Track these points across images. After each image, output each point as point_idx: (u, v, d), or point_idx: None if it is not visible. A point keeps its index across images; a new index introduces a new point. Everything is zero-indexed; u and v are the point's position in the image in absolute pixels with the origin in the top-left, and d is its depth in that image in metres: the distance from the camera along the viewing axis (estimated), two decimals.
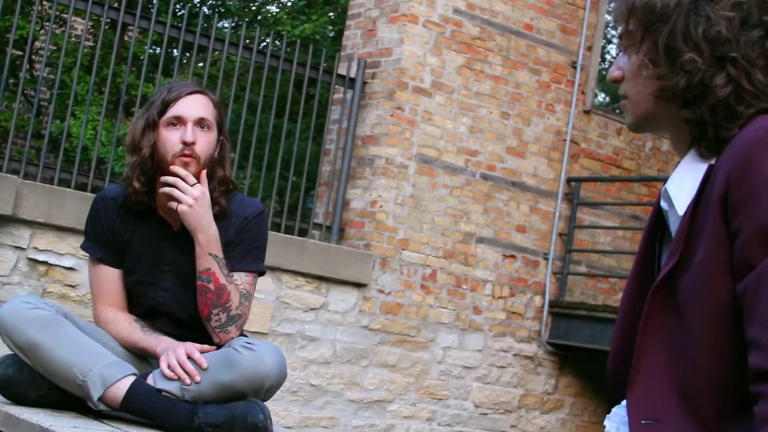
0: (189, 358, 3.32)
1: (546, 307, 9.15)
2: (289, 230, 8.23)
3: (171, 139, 3.49)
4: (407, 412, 8.40)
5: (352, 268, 8.10)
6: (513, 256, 9.02)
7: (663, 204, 1.95)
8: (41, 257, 6.91)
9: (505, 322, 8.96)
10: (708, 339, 1.79)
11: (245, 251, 3.61)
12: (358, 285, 8.16)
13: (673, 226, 1.93)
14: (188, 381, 3.29)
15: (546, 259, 9.20)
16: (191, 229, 3.45)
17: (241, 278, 3.59)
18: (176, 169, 3.44)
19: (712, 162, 1.86)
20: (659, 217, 2.02)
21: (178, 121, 3.50)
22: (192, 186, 3.43)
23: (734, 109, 1.82)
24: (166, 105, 3.52)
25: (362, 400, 8.20)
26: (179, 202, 3.43)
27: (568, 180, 9.33)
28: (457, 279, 8.69)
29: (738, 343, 1.76)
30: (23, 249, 6.86)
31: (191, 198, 3.41)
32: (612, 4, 9.82)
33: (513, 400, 9.00)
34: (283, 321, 7.80)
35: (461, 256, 8.71)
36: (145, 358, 3.56)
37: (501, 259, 8.94)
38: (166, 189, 3.45)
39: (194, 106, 3.53)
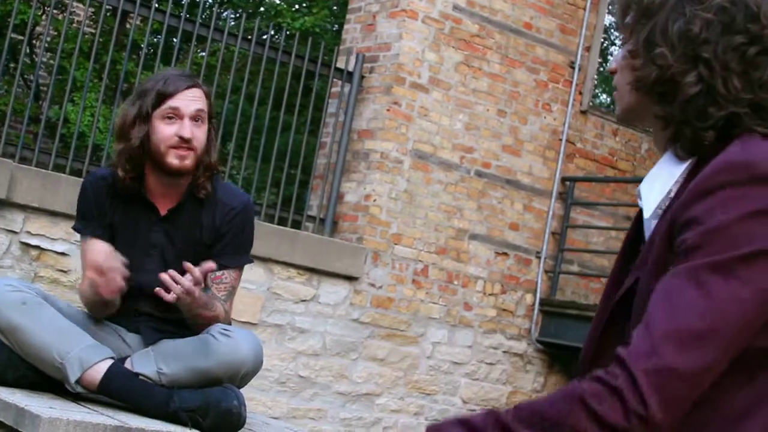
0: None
1: (537, 306, 9.18)
2: (282, 222, 8.26)
3: (166, 131, 3.55)
4: (395, 406, 8.43)
5: (344, 261, 8.13)
6: (505, 254, 9.05)
7: (639, 202, 1.98)
8: (34, 241, 6.94)
9: (496, 319, 8.99)
10: None
11: (235, 246, 3.69)
12: (350, 278, 8.19)
13: (646, 228, 1.96)
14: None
15: (538, 257, 9.23)
16: (182, 307, 3.50)
17: (230, 275, 3.68)
18: (166, 278, 3.43)
19: (687, 163, 1.89)
20: (641, 218, 2.05)
21: (175, 114, 3.56)
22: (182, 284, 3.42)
23: (705, 110, 1.84)
24: (162, 97, 3.56)
25: (350, 393, 8.23)
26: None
27: (563, 179, 9.36)
28: (449, 275, 8.72)
29: None
30: (16, 233, 6.89)
31: (188, 297, 3.43)
32: (612, 6, 9.86)
33: (501, 397, 9.04)
34: (273, 312, 7.83)
35: (453, 252, 8.74)
36: (124, 341, 3.61)
37: (493, 256, 8.98)
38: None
39: (190, 100, 3.60)
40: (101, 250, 3.54)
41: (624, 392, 1.66)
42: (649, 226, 1.93)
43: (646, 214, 1.92)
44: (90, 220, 3.67)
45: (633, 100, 1.96)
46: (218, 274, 3.65)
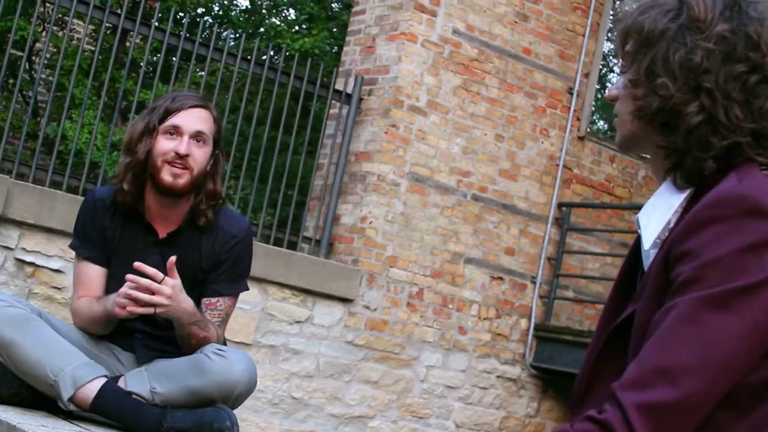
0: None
1: (531, 331, 9.17)
2: (278, 242, 8.26)
3: (165, 146, 3.54)
4: (388, 429, 8.41)
5: (339, 282, 8.12)
6: (501, 278, 9.05)
7: (639, 232, 1.98)
8: (29, 258, 6.93)
9: (490, 343, 8.98)
10: None
11: (233, 274, 3.67)
12: (345, 300, 8.18)
13: (644, 258, 1.96)
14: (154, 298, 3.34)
15: (533, 282, 9.22)
16: (172, 318, 3.46)
17: (225, 302, 3.67)
18: (140, 266, 3.37)
19: (686, 193, 1.89)
20: (640, 245, 2.04)
21: (176, 131, 3.55)
22: (161, 282, 3.37)
23: (707, 140, 1.84)
24: (167, 113, 3.57)
25: (343, 415, 8.21)
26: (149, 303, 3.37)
27: (559, 205, 9.37)
28: (444, 298, 8.71)
29: None
30: (11, 249, 6.88)
31: (164, 298, 3.36)
32: (611, 33, 9.88)
33: (494, 422, 9.01)
34: (267, 333, 7.82)
35: (449, 275, 8.73)
36: (118, 359, 3.59)
37: (488, 280, 8.97)
38: (132, 293, 3.36)
39: (194, 119, 3.58)
40: (93, 275, 3.59)
41: (614, 426, 1.66)
42: (648, 257, 1.92)
43: (646, 245, 1.92)
44: (85, 240, 3.65)
45: (634, 128, 1.96)
46: (213, 300, 3.64)
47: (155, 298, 3.34)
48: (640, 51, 1.92)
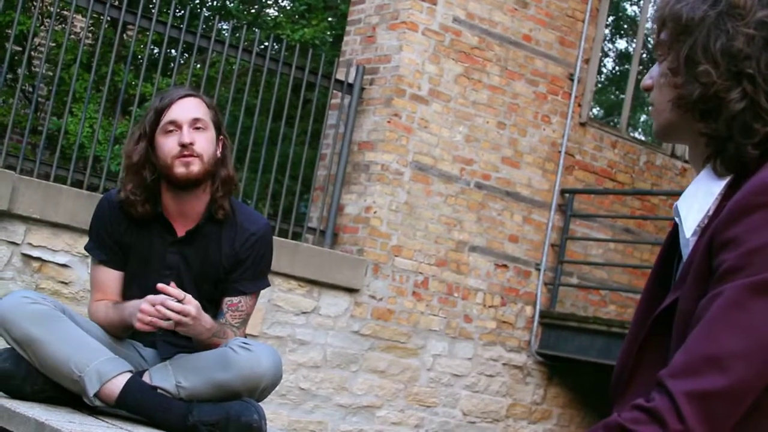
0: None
1: (536, 318, 9.18)
2: (282, 233, 8.24)
3: (168, 143, 3.52)
4: (395, 419, 8.41)
5: (344, 273, 8.12)
6: (505, 266, 9.05)
7: (676, 220, 1.97)
8: (35, 253, 6.92)
9: (496, 331, 8.98)
10: None
11: (254, 272, 3.65)
12: (350, 290, 8.18)
13: (683, 246, 1.95)
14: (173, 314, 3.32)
15: (538, 269, 9.23)
16: (192, 335, 3.45)
17: (246, 302, 3.65)
18: (163, 287, 3.35)
19: (725, 181, 1.88)
20: (676, 234, 2.03)
21: (174, 125, 3.53)
22: (183, 301, 3.35)
23: (750, 126, 1.83)
24: (159, 113, 3.55)
25: (351, 405, 8.21)
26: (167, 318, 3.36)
27: (562, 191, 9.37)
28: (449, 287, 8.71)
29: None
30: (17, 244, 6.86)
31: (189, 319, 3.35)
32: (611, 18, 9.87)
33: (501, 410, 9.02)
34: (274, 324, 7.81)
35: (453, 264, 8.74)
36: (141, 355, 3.59)
37: (493, 268, 8.97)
38: (161, 309, 3.34)
39: (187, 108, 3.56)
40: (109, 279, 3.60)
41: (664, 414, 1.66)
42: (688, 245, 1.92)
43: (687, 234, 1.91)
44: (99, 243, 3.63)
45: (672, 117, 1.95)
46: (235, 301, 3.62)
47: (180, 317, 3.32)
48: (679, 39, 1.91)
